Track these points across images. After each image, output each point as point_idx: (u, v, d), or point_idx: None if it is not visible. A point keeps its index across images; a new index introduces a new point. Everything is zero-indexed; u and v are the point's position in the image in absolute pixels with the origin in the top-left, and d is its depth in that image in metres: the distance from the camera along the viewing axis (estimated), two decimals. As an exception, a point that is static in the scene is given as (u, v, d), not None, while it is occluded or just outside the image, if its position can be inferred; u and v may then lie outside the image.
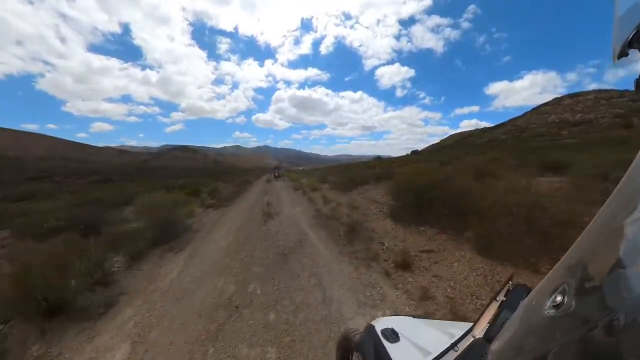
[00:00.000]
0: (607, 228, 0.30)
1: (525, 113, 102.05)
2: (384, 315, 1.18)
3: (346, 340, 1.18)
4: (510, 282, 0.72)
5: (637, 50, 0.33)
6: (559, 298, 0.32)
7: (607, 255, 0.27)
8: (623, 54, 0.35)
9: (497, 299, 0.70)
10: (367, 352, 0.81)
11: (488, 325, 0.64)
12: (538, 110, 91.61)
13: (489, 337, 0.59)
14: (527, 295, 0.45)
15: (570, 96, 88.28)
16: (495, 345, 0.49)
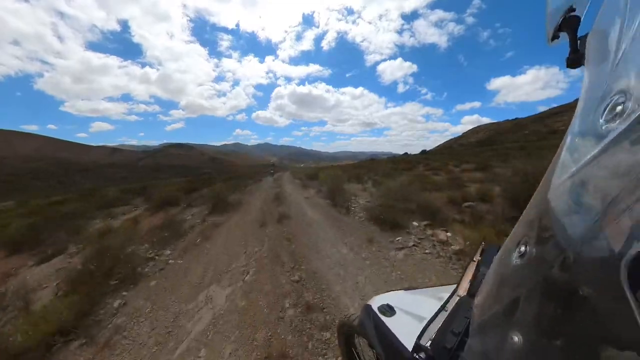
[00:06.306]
0: (547, 188, 0.34)
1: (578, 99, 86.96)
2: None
3: (346, 326, 1.17)
4: (482, 243, 0.83)
5: (566, 33, 0.40)
6: (522, 248, 0.36)
7: (554, 208, 0.31)
8: (555, 37, 0.43)
9: (474, 259, 0.79)
10: (368, 331, 0.83)
11: (469, 283, 0.73)
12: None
13: (471, 293, 0.67)
14: (498, 252, 0.50)
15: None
16: (477, 300, 0.53)
